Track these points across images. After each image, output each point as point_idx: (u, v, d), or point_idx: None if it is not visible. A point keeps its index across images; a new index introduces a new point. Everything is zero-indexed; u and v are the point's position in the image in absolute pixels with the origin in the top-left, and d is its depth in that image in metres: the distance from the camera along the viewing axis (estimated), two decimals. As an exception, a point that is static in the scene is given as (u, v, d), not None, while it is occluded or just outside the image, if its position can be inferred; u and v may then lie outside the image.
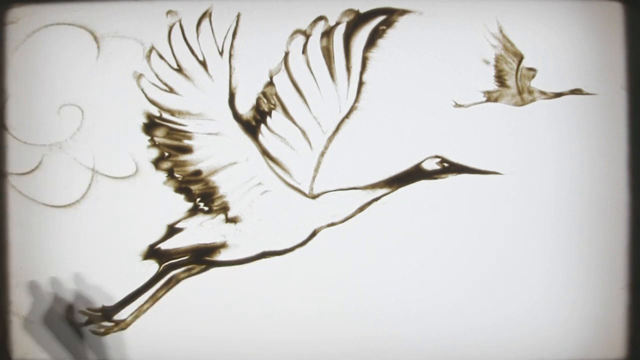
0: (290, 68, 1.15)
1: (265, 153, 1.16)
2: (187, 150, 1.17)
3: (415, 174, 1.15)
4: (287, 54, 1.16)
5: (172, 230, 1.17)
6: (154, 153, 1.17)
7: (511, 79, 1.15)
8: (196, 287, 1.18)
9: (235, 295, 1.17)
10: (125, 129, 1.17)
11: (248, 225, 1.17)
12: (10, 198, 1.19)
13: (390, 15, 1.15)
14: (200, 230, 1.17)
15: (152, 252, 1.17)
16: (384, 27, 1.15)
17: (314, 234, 1.16)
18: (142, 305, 1.18)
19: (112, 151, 1.17)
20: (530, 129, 1.15)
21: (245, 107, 1.16)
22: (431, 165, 1.15)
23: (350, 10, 1.15)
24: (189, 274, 1.18)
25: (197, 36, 1.16)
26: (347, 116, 1.15)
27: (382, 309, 1.16)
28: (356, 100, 1.15)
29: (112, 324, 1.18)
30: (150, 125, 1.17)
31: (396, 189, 1.15)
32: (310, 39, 1.15)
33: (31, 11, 1.18)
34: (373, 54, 1.15)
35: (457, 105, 1.15)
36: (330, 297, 1.17)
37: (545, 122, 1.15)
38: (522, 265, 1.15)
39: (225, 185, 1.17)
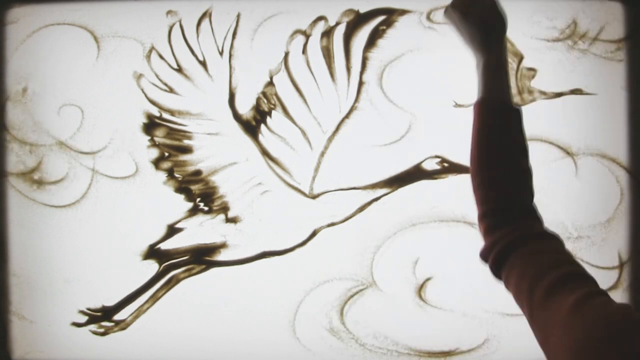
0: (290, 68, 1.15)
1: (265, 153, 1.16)
2: (187, 150, 1.17)
3: (415, 174, 1.15)
4: (287, 54, 1.16)
5: (172, 230, 1.17)
6: (154, 153, 1.17)
7: (511, 79, 1.15)
8: (196, 287, 1.17)
9: (235, 296, 1.17)
10: (125, 129, 1.17)
11: (248, 225, 1.17)
12: (10, 198, 1.19)
13: (390, 15, 1.15)
14: (200, 230, 1.17)
15: (152, 252, 1.17)
16: (384, 27, 1.15)
17: (314, 234, 1.16)
18: (142, 305, 1.18)
19: (112, 151, 1.17)
20: (530, 129, 1.14)
21: (245, 107, 1.16)
22: (431, 165, 1.15)
23: (350, 10, 1.15)
24: (189, 274, 1.18)
25: (197, 36, 1.16)
26: (347, 116, 1.15)
27: (382, 309, 1.16)
28: (356, 100, 1.15)
29: (112, 324, 1.18)
30: (150, 125, 1.17)
31: (396, 189, 1.15)
32: (310, 39, 1.15)
33: (31, 11, 1.18)
34: (373, 54, 1.15)
35: (457, 105, 1.15)
36: (331, 297, 1.17)
37: (545, 122, 1.15)
38: (522, 265, 1.15)
39: (225, 185, 1.17)
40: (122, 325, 1.18)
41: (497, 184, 0.72)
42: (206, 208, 1.17)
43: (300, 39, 1.15)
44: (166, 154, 1.17)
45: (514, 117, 0.76)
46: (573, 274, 0.59)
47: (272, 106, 1.16)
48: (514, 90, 1.15)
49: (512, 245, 0.65)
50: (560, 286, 0.57)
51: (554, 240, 0.66)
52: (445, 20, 0.83)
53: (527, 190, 0.72)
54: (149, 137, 1.17)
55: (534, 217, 0.70)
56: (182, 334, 1.18)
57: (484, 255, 0.70)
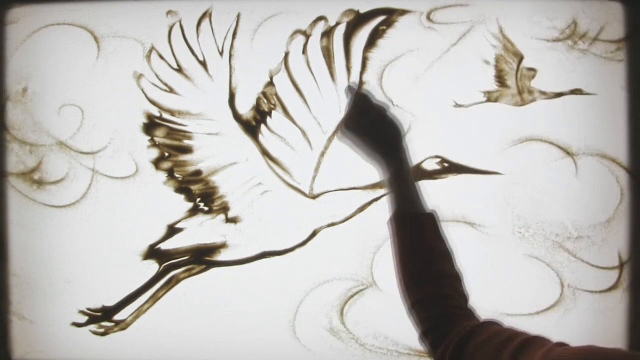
0: (290, 68, 1.15)
1: (265, 153, 1.16)
2: (187, 150, 1.17)
3: (415, 174, 1.15)
4: (287, 54, 1.16)
5: (172, 230, 1.17)
6: (154, 153, 1.17)
7: (511, 79, 1.15)
8: (196, 287, 1.17)
9: (235, 296, 1.17)
10: (125, 129, 1.17)
11: (248, 225, 1.17)
12: (10, 198, 1.19)
13: (390, 15, 1.15)
14: (200, 230, 1.17)
15: (152, 252, 1.17)
16: (384, 27, 1.15)
17: (314, 234, 1.16)
18: (142, 305, 1.18)
19: (112, 151, 1.17)
20: (530, 129, 1.15)
21: (245, 107, 1.16)
22: (431, 165, 1.15)
23: (350, 10, 1.15)
24: (189, 274, 1.18)
25: (197, 36, 1.16)
26: (347, 116, 1.15)
27: (383, 309, 1.16)
28: (356, 100, 1.15)
29: (112, 324, 1.18)
30: (150, 125, 1.17)
31: (396, 189, 1.15)
32: (310, 39, 1.15)
33: (31, 11, 1.18)
34: (373, 54, 1.15)
35: (457, 105, 1.15)
36: (331, 297, 1.17)
37: (545, 122, 1.15)
38: (521, 265, 1.15)
39: (225, 185, 1.17)
40: (122, 325, 1.18)
41: (428, 300, 0.72)
42: (206, 208, 1.17)
43: (300, 39, 1.15)
44: (166, 154, 1.17)
45: (429, 224, 0.75)
46: (526, 341, 0.60)
47: (272, 106, 1.16)
48: (514, 90, 1.15)
49: (461, 345, 0.66)
50: (519, 354, 0.58)
51: (495, 324, 0.68)
52: (341, 142, 0.82)
53: (459, 295, 0.72)
54: (149, 137, 1.17)
55: (471, 317, 0.71)
56: (182, 334, 1.18)
57: None
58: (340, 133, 0.80)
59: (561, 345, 0.58)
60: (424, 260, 0.73)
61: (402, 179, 0.76)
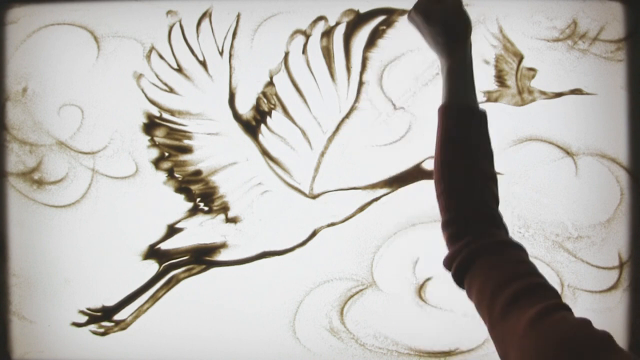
0: (290, 68, 1.15)
1: (265, 153, 1.16)
2: (187, 150, 1.17)
3: (415, 174, 1.15)
4: (287, 54, 1.16)
5: (172, 230, 1.17)
6: (154, 153, 1.17)
7: (511, 79, 1.15)
8: (196, 287, 1.18)
9: (235, 296, 1.17)
10: (125, 129, 1.17)
11: (248, 225, 1.17)
12: (10, 198, 1.19)
13: (390, 15, 1.15)
14: (200, 230, 1.17)
15: (152, 252, 1.17)
16: (384, 27, 1.15)
17: (314, 234, 1.16)
18: (142, 305, 1.18)
19: (112, 151, 1.17)
20: (530, 129, 1.15)
21: (245, 107, 1.16)
22: (431, 165, 1.15)
23: (350, 10, 1.15)
24: (189, 274, 1.18)
25: (197, 36, 1.16)
26: (347, 116, 1.15)
27: (382, 309, 1.16)
28: (356, 100, 1.15)
29: (112, 324, 1.18)
30: (150, 125, 1.17)
31: (396, 189, 1.15)
32: (310, 39, 1.15)
33: (31, 11, 1.18)
34: (373, 54, 1.15)
35: (457, 105, 1.15)
36: (331, 297, 1.17)
37: (545, 122, 1.15)
38: (522, 265, 1.15)
39: (225, 185, 1.17)
40: (122, 325, 1.18)
41: (460, 191, 0.69)
42: (206, 208, 1.17)
43: (300, 39, 1.16)
44: (166, 154, 1.17)
45: (478, 121, 0.73)
46: (532, 287, 0.57)
47: (272, 106, 1.16)
48: (514, 90, 1.15)
49: (474, 255, 0.63)
50: (519, 299, 0.55)
51: (517, 250, 0.64)
52: (410, 24, 0.80)
53: (491, 197, 0.70)
54: (149, 137, 1.17)
55: (498, 225, 0.67)
56: (182, 334, 1.18)
57: (447, 265, 0.67)
58: (410, 15, 0.78)
59: (558, 308, 0.53)
60: (463, 151, 0.70)
61: (462, 71, 0.73)
